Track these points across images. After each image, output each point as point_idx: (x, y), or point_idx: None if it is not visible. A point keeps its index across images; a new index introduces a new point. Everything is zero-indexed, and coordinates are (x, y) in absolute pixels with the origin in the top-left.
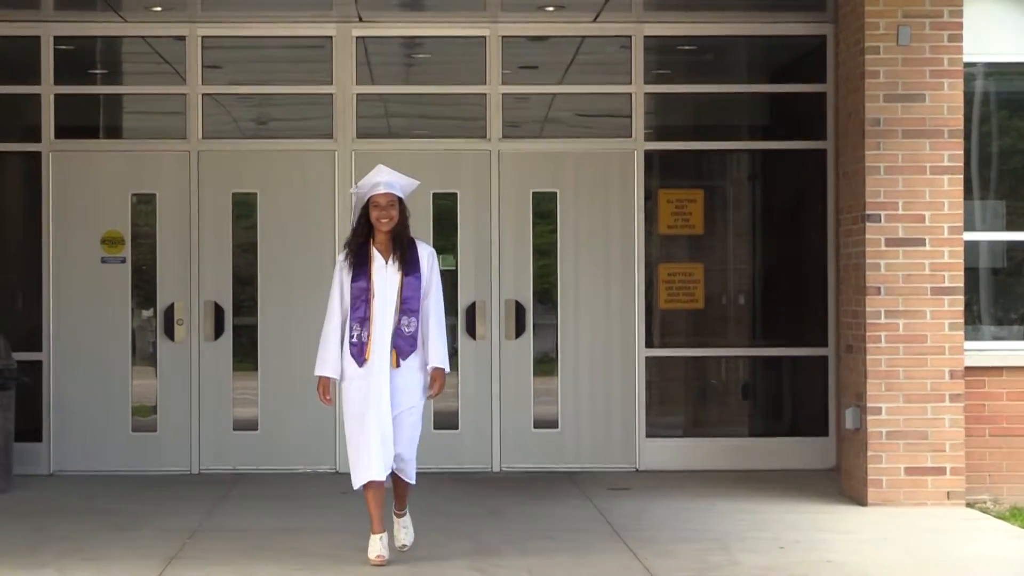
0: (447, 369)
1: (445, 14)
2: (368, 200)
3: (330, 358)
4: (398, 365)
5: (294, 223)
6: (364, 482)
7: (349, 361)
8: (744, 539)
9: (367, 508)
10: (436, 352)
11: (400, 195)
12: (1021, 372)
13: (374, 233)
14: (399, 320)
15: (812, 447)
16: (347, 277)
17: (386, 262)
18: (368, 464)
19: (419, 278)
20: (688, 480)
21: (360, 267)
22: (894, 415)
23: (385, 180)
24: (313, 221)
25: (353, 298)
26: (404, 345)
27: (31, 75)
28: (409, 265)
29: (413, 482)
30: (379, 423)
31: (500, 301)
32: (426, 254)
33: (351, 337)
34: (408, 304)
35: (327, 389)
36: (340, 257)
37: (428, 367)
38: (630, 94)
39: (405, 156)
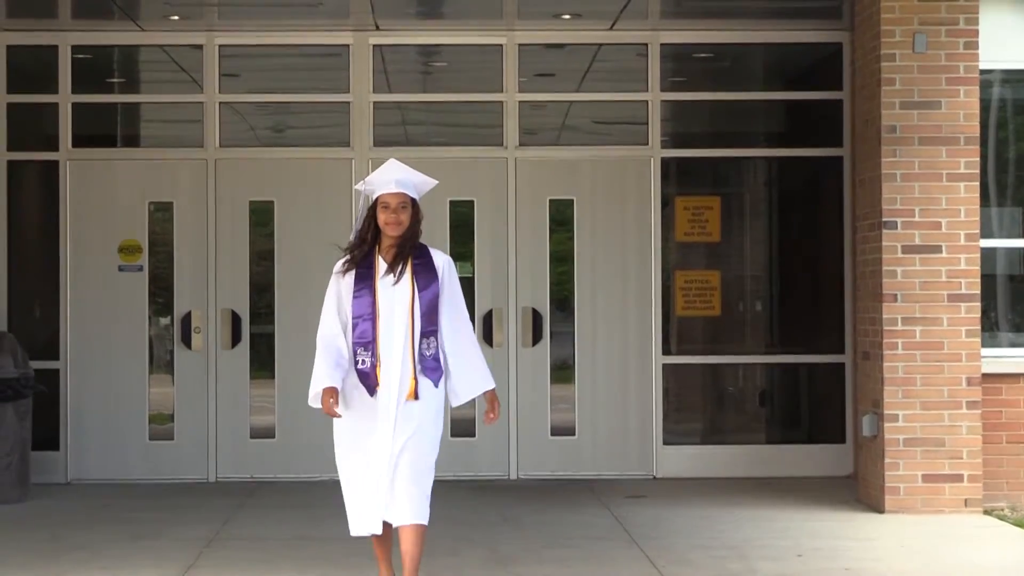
0: (494, 386)
1: (462, 22)
2: (376, 200)
3: (327, 371)
4: (416, 396)
5: (311, 231)
6: (362, 535)
7: (356, 386)
8: (762, 547)
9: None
10: (479, 373)
11: (414, 196)
12: None
13: (380, 239)
14: (420, 343)
15: (829, 454)
16: (346, 291)
17: (393, 274)
18: (365, 516)
19: (434, 292)
20: (705, 487)
21: (363, 280)
22: (911, 422)
23: (397, 177)
24: (330, 229)
25: (354, 317)
26: (430, 372)
27: (49, 84)
28: (421, 277)
29: (421, 521)
30: (380, 468)
31: (517, 308)
32: (441, 263)
33: (357, 363)
34: (425, 324)
35: (332, 397)
36: (337, 266)
37: (468, 392)
38: (646, 101)
39: (422, 164)
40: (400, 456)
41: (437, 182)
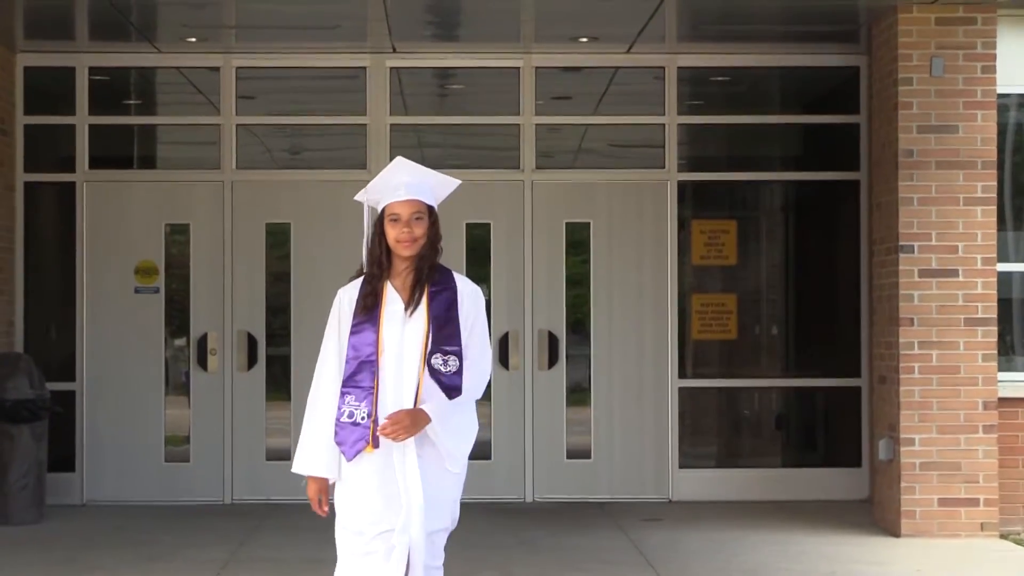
0: (434, 422)
1: (479, 45)
2: (383, 211)
3: (320, 452)
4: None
5: (327, 254)
6: None
7: (338, 452)
8: (777, 570)
9: None
10: (455, 450)
11: (430, 203)
12: None
13: (390, 260)
14: (431, 360)
15: (845, 478)
16: (345, 325)
17: (405, 306)
18: None
19: (455, 319)
20: (721, 511)
21: (366, 311)
22: (927, 446)
23: (406, 180)
24: (346, 252)
25: (352, 357)
26: (448, 387)
27: (66, 105)
28: (438, 310)
29: None
30: (398, 548)
31: (533, 331)
32: (467, 293)
33: (342, 414)
34: (445, 341)
35: (323, 494)
36: (343, 292)
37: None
38: (663, 125)
39: None
40: (417, 534)
41: (459, 182)
